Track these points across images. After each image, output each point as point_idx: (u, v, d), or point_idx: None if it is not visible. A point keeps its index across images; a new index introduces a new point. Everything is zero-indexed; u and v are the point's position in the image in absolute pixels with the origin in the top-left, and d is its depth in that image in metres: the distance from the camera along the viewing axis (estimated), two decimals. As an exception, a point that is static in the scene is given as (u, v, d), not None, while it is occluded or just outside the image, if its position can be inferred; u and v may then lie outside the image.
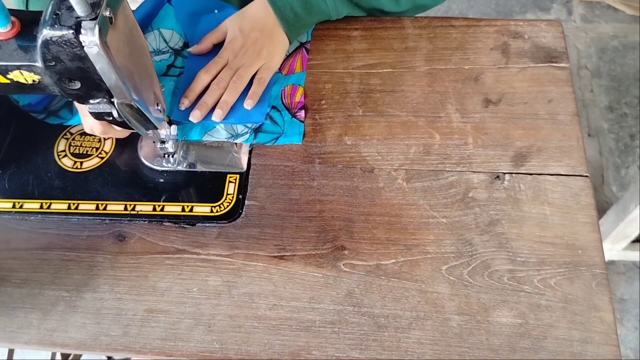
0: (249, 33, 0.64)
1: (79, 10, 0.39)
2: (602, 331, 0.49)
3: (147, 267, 0.55)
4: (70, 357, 0.95)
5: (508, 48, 0.66)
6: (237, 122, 0.62)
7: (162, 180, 0.60)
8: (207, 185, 0.59)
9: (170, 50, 0.68)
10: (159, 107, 0.53)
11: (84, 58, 0.41)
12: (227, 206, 0.58)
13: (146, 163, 0.61)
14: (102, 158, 0.62)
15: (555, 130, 0.60)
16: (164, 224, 0.57)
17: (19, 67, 0.42)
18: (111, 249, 0.56)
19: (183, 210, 0.58)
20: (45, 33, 0.39)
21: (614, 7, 1.78)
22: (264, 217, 0.57)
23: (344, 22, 0.69)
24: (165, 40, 0.68)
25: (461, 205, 0.56)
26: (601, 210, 1.26)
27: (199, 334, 0.51)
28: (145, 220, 0.57)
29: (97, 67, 0.42)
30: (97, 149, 0.62)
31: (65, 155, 0.62)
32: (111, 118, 0.48)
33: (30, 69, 0.42)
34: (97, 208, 0.58)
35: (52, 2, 0.40)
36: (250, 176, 0.59)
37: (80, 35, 0.39)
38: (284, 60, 0.67)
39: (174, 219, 0.57)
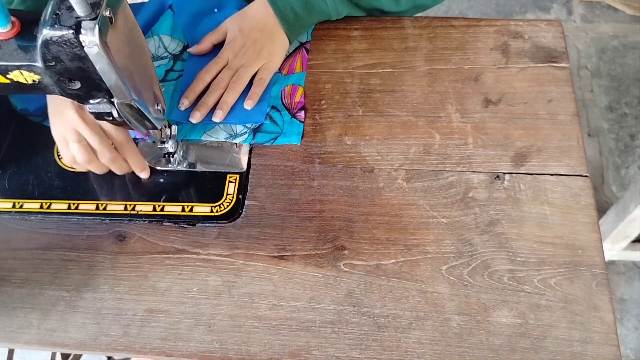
0: (249, 33, 0.64)
1: (79, 10, 0.39)
2: (602, 331, 0.49)
3: (147, 267, 0.55)
4: (70, 357, 0.95)
5: (508, 48, 0.66)
6: (236, 123, 0.62)
7: (162, 180, 0.60)
8: (207, 185, 0.59)
9: (169, 56, 0.68)
10: (159, 107, 0.53)
11: (84, 58, 0.41)
12: (227, 206, 0.58)
13: (146, 163, 0.61)
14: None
15: (555, 130, 0.60)
16: (164, 224, 0.57)
17: (19, 67, 0.42)
18: (111, 249, 0.56)
19: (183, 210, 0.58)
20: (45, 33, 0.39)
21: (614, 7, 1.78)
22: (264, 217, 0.57)
23: (344, 22, 0.69)
24: (164, 46, 0.68)
25: (461, 205, 0.56)
26: (601, 210, 1.25)
27: (199, 334, 0.51)
28: (145, 220, 0.57)
29: (97, 67, 0.42)
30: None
31: (65, 155, 0.62)
32: (111, 118, 0.48)
33: (30, 69, 0.42)
34: (97, 208, 0.58)
35: (52, 2, 0.40)
36: (250, 176, 0.59)
37: (80, 35, 0.39)
38: (284, 60, 0.67)
39: (174, 219, 0.57)
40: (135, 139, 0.61)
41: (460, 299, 0.51)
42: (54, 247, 0.56)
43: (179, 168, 0.60)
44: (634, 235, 1.17)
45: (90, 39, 0.39)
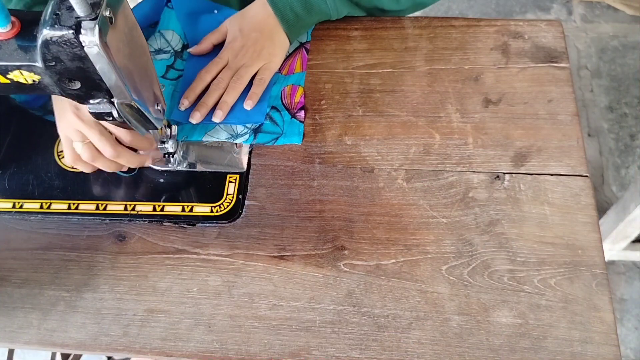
0: (249, 33, 0.64)
1: (79, 10, 0.39)
2: (602, 331, 0.49)
3: (147, 267, 0.55)
4: (70, 357, 0.95)
5: (508, 48, 0.66)
6: (236, 123, 0.62)
7: (162, 180, 0.60)
8: (207, 185, 0.59)
9: (171, 51, 0.68)
10: (159, 107, 0.53)
11: (84, 58, 0.41)
12: (227, 206, 0.58)
13: (146, 163, 0.61)
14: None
15: (555, 130, 0.60)
16: (164, 224, 0.57)
17: (19, 67, 0.42)
18: (111, 249, 0.56)
19: (183, 210, 0.58)
20: (45, 33, 0.39)
21: (614, 7, 1.78)
22: (264, 217, 0.57)
23: (344, 22, 0.69)
24: (167, 40, 0.68)
25: (461, 205, 0.56)
26: (601, 210, 1.26)
27: (199, 334, 0.51)
28: (145, 220, 0.57)
29: (97, 67, 0.42)
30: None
31: (65, 155, 0.62)
32: (111, 118, 0.48)
33: (30, 69, 0.42)
34: (97, 208, 0.58)
35: (52, 2, 0.40)
36: (250, 176, 0.59)
37: (80, 35, 0.39)
38: (284, 61, 0.67)
39: (174, 219, 0.57)
40: None
41: (460, 299, 0.51)
42: (54, 247, 0.56)
43: (179, 168, 0.60)
44: (634, 235, 1.17)
45: (90, 39, 0.39)
